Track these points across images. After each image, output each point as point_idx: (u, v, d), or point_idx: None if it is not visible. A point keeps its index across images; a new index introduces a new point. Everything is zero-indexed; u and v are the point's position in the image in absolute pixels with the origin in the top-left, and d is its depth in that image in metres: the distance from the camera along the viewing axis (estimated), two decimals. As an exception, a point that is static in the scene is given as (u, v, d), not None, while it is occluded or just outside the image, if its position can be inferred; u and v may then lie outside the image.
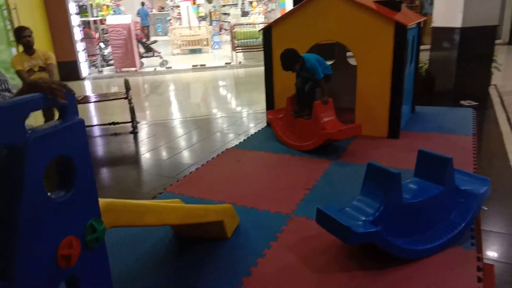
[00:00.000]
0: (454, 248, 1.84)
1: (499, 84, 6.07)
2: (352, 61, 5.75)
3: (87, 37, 11.46)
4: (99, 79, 9.93)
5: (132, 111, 4.38)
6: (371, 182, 1.86)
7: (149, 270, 1.87)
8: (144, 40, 12.05)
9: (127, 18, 10.81)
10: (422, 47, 9.08)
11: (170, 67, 11.00)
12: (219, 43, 16.92)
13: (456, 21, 5.01)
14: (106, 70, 10.92)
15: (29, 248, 0.98)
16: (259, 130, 4.19)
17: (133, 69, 10.70)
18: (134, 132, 4.36)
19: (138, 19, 16.13)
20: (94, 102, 4.43)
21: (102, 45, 12.32)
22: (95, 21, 13.04)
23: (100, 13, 14.45)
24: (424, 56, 6.14)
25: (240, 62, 12.97)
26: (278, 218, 2.26)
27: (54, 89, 1.05)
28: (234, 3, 18.79)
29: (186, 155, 3.59)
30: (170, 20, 17.81)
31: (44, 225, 1.03)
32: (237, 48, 13.72)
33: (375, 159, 3.26)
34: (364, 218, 1.73)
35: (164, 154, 3.67)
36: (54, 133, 1.06)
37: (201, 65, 11.07)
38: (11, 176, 0.98)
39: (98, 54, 11.39)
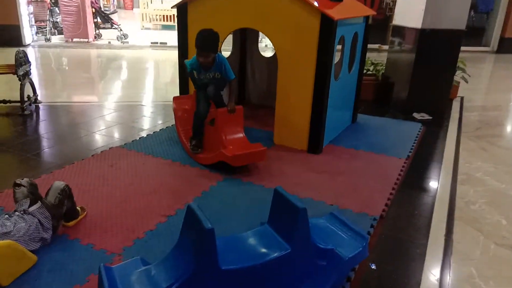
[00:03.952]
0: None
1: (466, 98, 5.43)
2: (265, 52, 4.79)
3: (36, 0, 10.47)
4: (45, 48, 9.04)
5: (22, 89, 3.70)
6: (187, 232, 1.30)
7: None
8: (102, 9, 11.17)
9: (81, -17, 9.86)
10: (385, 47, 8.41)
11: (127, 42, 10.15)
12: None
13: (417, 21, 4.37)
14: (56, 39, 9.97)
15: None
16: (167, 127, 3.58)
17: (85, 40, 9.82)
18: (23, 114, 3.68)
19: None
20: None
21: (56, 10, 11.32)
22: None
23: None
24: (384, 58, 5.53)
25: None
26: (97, 260, 1.68)
27: None
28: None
29: (63, 150, 2.94)
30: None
31: None
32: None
33: (276, 179, 2.55)
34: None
35: (37, 146, 3.01)
36: None
37: (161, 43, 10.23)
38: None
39: (48, 20, 10.42)
